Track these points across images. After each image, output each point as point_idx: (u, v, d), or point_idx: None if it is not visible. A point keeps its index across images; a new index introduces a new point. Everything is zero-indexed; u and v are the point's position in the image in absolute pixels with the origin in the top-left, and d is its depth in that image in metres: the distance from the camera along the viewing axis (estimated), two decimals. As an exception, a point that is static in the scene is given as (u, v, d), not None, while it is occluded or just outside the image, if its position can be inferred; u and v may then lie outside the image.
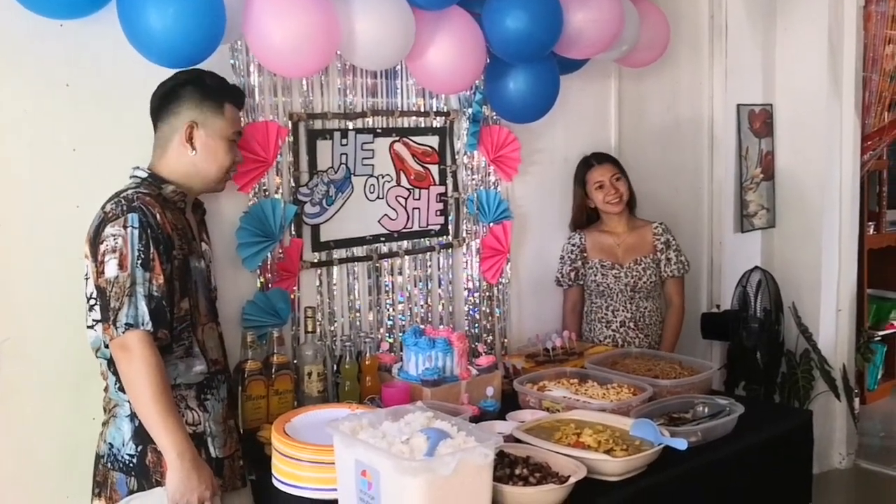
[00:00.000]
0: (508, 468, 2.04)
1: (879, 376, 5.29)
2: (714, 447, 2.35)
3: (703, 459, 2.29)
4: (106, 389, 2.08)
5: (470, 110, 3.06)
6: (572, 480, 2.00)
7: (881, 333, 5.18)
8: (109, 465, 2.02)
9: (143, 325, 1.92)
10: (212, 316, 2.21)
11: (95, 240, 1.99)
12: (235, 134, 2.21)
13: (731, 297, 3.86)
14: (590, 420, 2.37)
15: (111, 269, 1.94)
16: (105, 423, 2.08)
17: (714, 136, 3.99)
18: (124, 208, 1.98)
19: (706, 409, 2.52)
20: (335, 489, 2.01)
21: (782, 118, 4.21)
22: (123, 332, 1.91)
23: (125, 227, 1.95)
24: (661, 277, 3.35)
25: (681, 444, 2.17)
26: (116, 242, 1.94)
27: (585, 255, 3.36)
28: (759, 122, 4.13)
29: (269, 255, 2.62)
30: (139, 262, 1.95)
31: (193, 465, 1.97)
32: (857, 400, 4.41)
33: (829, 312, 4.23)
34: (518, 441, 2.23)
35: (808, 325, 4.13)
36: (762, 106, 4.14)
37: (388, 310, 2.95)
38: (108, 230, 1.96)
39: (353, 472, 1.92)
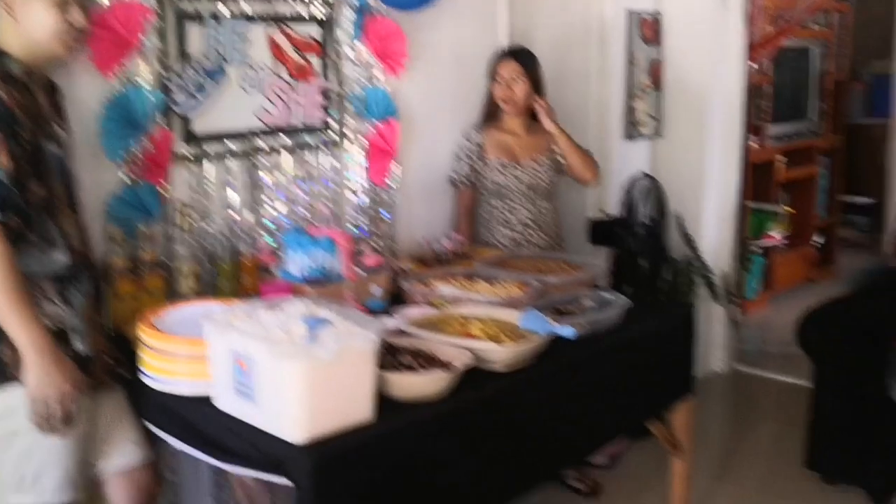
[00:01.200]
0: (392, 356, 1.97)
1: (757, 287, 5.47)
2: (600, 338, 2.34)
3: (589, 350, 2.28)
4: None
5: (354, -1, 2.90)
6: (458, 367, 1.94)
7: (760, 245, 5.34)
8: None
9: None
10: (71, 205, 2.01)
11: None
12: None
13: (619, 204, 3.87)
14: (478, 314, 2.32)
15: None
16: None
17: (605, 42, 3.93)
18: None
19: (592, 303, 2.51)
20: (209, 383, 1.90)
21: (671, 27, 4.19)
22: None
23: None
24: (562, 169, 3.30)
25: (568, 331, 2.14)
26: None
27: (484, 154, 3.26)
28: (649, 29, 4.10)
29: (135, 145, 2.43)
30: None
31: (53, 359, 1.82)
32: (737, 309, 4.54)
33: (711, 221, 4.32)
34: (405, 335, 2.16)
35: (690, 233, 4.20)
36: (653, 14, 4.11)
37: (269, 210, 2.81)
38: None
39: (228, 361, 1.81)
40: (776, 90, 5.51)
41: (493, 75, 3.22)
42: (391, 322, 2.29)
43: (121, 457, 2.10)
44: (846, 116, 6.51)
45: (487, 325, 2.21)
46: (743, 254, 4.63)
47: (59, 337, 1.89)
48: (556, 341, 2.17)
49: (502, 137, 3.27)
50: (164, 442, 2.50)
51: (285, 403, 1.70)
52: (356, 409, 1.78)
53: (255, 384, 1.75)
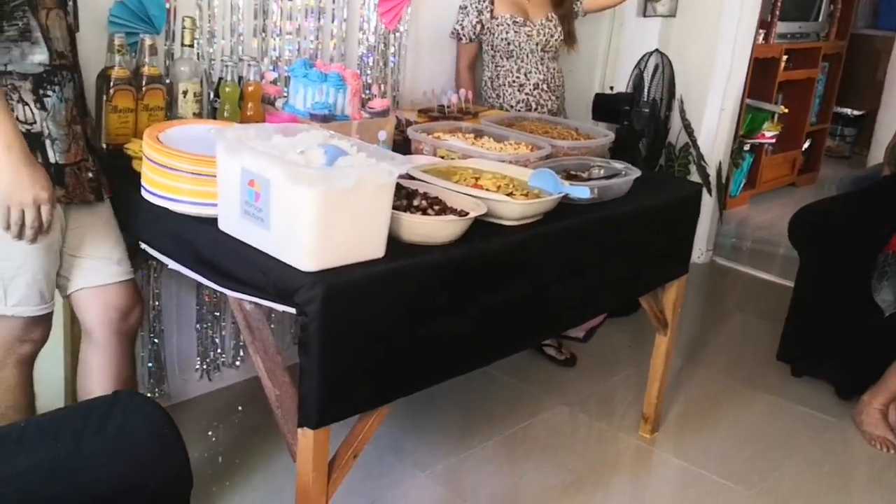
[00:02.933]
0: (406, 199, 1.91)
1: (742, 184, 5.47)
2: (608, 206, 2.30)
3: (597, 215, 2.24)
4: None
5: None
6: (472, 215, 1.89)
7: (751, 142, 5.31)
8: None
9: None
10: (59, 1, 1.85)
11: None
12: None
13: (627, 80, 3.78)
14: (488, 168, 2.25)
15: None
16: None
17: None
18: None
19: (602, 171, 2.46)
20: (215, 204, 1.83)
21: None
22: None
23: None
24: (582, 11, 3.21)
25: (583, 192, 2.10)
26: None
27: (492, 8, 3.11)
28: None
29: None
30: None
31: (24, 160, 1.67)
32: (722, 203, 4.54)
33: (713, 111, 4.25)
34: (414, 180, 2.09)
35: (691, 121, 4.14)
36: None
37: (275, 39, 2.67)
38: None
39: (238, 181, 1.73)
40: (790, -14, 5.36)
41: None
42: (403, 164, 2.22)
43: (98, 272, 1.96)
44: (852, 24, 6.39)
45: (499, 179, 2.15)
46: (736, 149, 4.59)
47: (31, 142, 1.74)
48: (564, 205, 2.13)
49: None
50: (146, 265, 2.45)
51: (299, 230, 1.63)
52: (368, 243, 1.73)
53: (267, 207, 1.68)
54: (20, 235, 1.72)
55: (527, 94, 3.14)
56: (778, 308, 3.48)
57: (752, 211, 5.54)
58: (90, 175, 1.90)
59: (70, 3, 1.89)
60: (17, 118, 1.73)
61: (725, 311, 4.04)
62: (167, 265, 1.98)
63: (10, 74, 1.73)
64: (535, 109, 3.10)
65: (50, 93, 1.80)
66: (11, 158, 1.66)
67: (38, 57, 1.77)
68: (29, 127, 1.76)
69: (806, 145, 6.15)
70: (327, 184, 1.61)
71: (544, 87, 3.14)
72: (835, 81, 6.34)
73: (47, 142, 1.80)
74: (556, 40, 3.13)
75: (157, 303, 2.58)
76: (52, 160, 1.80)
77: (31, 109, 1.77)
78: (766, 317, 3.76)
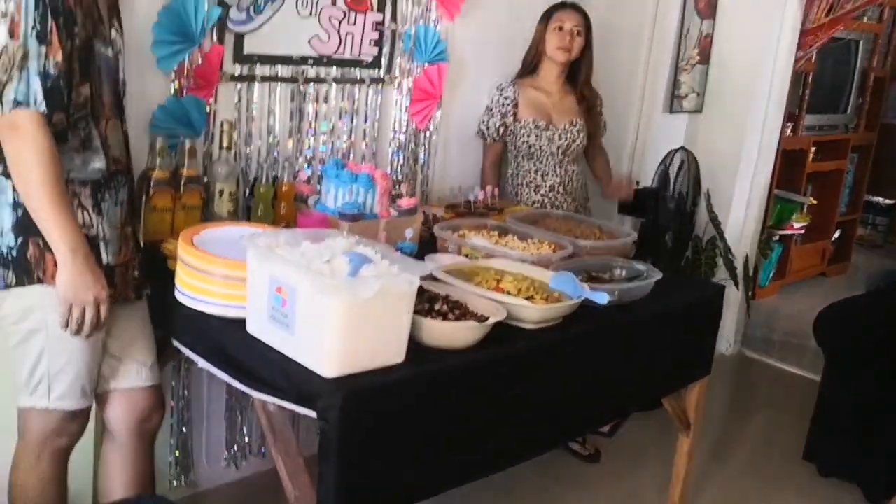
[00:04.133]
0: (427, 303, 1.97)
1: (772, 274, 5.47)
2: (629, 309, 2.34)
3: (618, 319, 2.28)
4: None
5: (418, -65, 2.84)
6: (492, 320, 1.94)
7: (780, 233, 5.33)
8: None
9: (35, 104, 1.69)
10: (117, 111, 1.97)
11: None
12: None
13: (652, 175, 3.84)
14: (510, 269, 2.31)
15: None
16: None
17: (659, 10, 3.86)
18: None
19: (624, 272, 2.51)
20: (244, 307, 1.90)
21: (727, 1, 4.12)
22: (11, 110, 1.69)
23: None
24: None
25: (602, 297, 2.14)
26: (7, 6, 1.68)
27: (517, 111, 3.21)
28: (704, 2, 4.03)
29: (186, 58, 2.39)
30: (34, 32, 1.69)
31: (87, 262, 1.80)
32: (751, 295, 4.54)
33: (740, 204, 4.29)
34: (436, 281, 2.15)
35: (718, 214, 4.18)
36: (710, -14, 4.03)
37: (309, 139, 2.78)
38: None
39: (266, 288, 1.80)
40: (816, 79, 5.43)
41: (548, 22, 3.15)
42: (424, 272, 2.29)
43: (130, 375, 2.03)
44: (881, 115, 6.44)
45: (520, 281, 2.20)
46: (764, 240, 4.61)
47: (89, 244, 1.83)
48: (585, 307, 2.17)
49: (537, 96, 3.22)
50: (178, 362, 2.52)
51: (322, 337, 1.70)
52: (389, 350, 1.79)
53: (292, 314, 1.75)
54: (79, 332, 1.82)
55: (542, 195, 3.22)
56: (806, 404, 3.45)
57: (781, 301, 5.52)
58: (136, 273, 2.00)
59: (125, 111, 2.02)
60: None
61: (753, 405, 4.01)
62: (197, 364, 2.05)
63: (72, 182, 1.84)
64: (550, 210, 3.17)
65: (107, 197, 1.91)
66: (77, 262, 1.78)
67: (97, 164, 1.88)
68: (87, 230, 1.85)
69: (836, 235, 6.15)
70: (350, 294, 1.68)
71: (560, 189, 3.22)
72: (864, 171, 6.36)
73: (101, 244, 1.89)
74: (577, 145, 3.22)
75: (186, 392, 2.64)
76: (105, 261, 1.90)
77: (89, 214, 1.87)
78: (794, 413, 3.72)
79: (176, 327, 2.07)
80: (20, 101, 1.70)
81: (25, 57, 1.70)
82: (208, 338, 1.97)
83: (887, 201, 6.94)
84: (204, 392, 2.70)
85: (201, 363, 2.02)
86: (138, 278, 2.01)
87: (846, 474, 3.22)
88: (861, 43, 5.80)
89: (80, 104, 1.81)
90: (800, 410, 3.57)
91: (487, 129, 3.23)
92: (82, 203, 1.86)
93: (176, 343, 2.10)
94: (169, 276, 2.07)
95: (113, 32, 1.97)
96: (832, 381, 3.26)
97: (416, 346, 1.84)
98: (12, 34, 1.69)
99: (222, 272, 1.92)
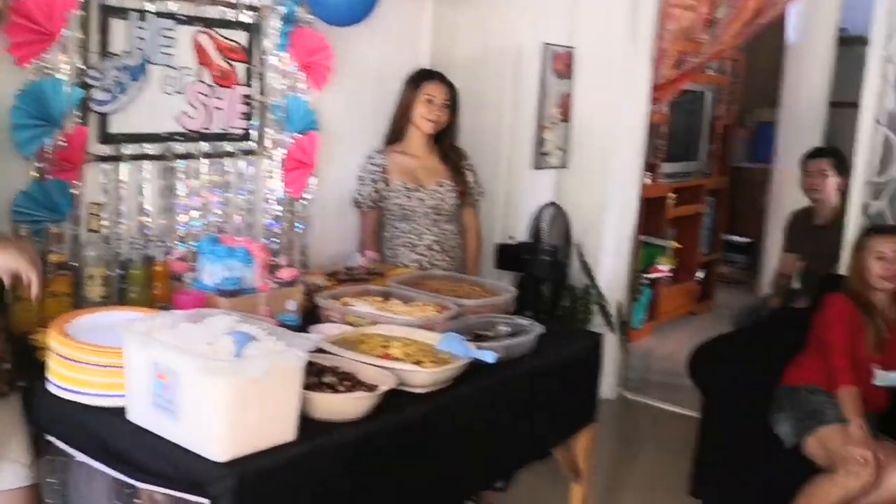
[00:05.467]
0: (316, 376, 1.95)
1: (644, 317, 5.68)
2: (516, 363, 2.38)
3: (505, 374, 2.31)
4: None
5: (282, 8, 2.87)
6: (383, 388, 1.94)
7: (648, 276, 5.55)
8: None
9: None
10: None
11: None
12: None
13: (525, 230, 3.95)
14: (397, 335, 2.32)
15: None
16: None
17: (519, 73, 4.02)
18: None
19: (508, 328, 2.55)
20: (123, 395, 1.83)
21: (583, 63, 4.33)
22: None
23: None
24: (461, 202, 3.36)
25: (489, 356, 2.17)
26: None
27: (387, 176, 3.27)
28: (561, 63, 4.22)
29: (48, 141, 2.32)
30: None
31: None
32: (626, 338, 4.70)
33: (609, 252, 4.45)
34: (323, 352, 2.13)
35: (589, 263, 4.33)
36: (566, 48, 4.23)
37: (182, 216, 2.73)
38: None
39: (147, 374, 1.75)
40: (671, 130, 5.75)
41: (417, 91, 3.23)
42: (314, 340, 2.27)
43: (6, 476, 1.93)
44: (731, 159, 6.87)
45: (408, 346, 2.21)
46: (634, 285, 4.80)
47: None
48: (472, 365, 2.20)
49: (405, 160, 3.30)
50: (52, 456, 2.38)
51: (209, 420, 1.65)
52: (280, 428, 1.75)
53: (176, 399, 1.70)
54: None
55: (420, 254, 3.27)
56: (688, 441, 3.57)
57: (655, 342, 5.73)
58: (7, 367, 1.90)
59: None
60: None
61: (638, 447, 4.12)
62: (74, 457, 1.95)
63: None
64: (429, 269, 3.21)
65: None
66: None
67: None
68: None
69: (700, 275, 6.46)
70: (238, 375, 1.65)
71: (437, 247, 3.29)
72: (721, 213, 6.74)
73: None
74: (448, 205, 3.29)
75: (63, 491, 2.49)
76: None
77: None
78: (678, 451, 3.84)
79: (50, 421, 1.97)
80: None
81: None
82: (86, 430, 1.88)
83: (743, 240, 7.36)
84: (83, 487, 2.56)
85: (80, 457, 1.92)
86: (10, 371, 1.91)
87: (730, 506, 3.35)
88: (709, 93, 6.20)
89: None
90: (682, 448, 3.69)
91: (362, 197, 3.27)
92: None
93: (50, 438, 1.99)
94: (40, 368, 1.97)
95: None
96: (710, 418, 3.39)
97: (307, 422, 1.82)
98: None
99: (98, 361, 1.85)
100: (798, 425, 2.98)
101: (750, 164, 7.36)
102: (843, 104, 5.75)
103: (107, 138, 2.49)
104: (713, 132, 6.40)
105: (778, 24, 5.49)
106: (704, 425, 3.41)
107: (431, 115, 3.21)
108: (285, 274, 2.62)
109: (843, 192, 3.89)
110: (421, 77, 3.27)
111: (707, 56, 4.71)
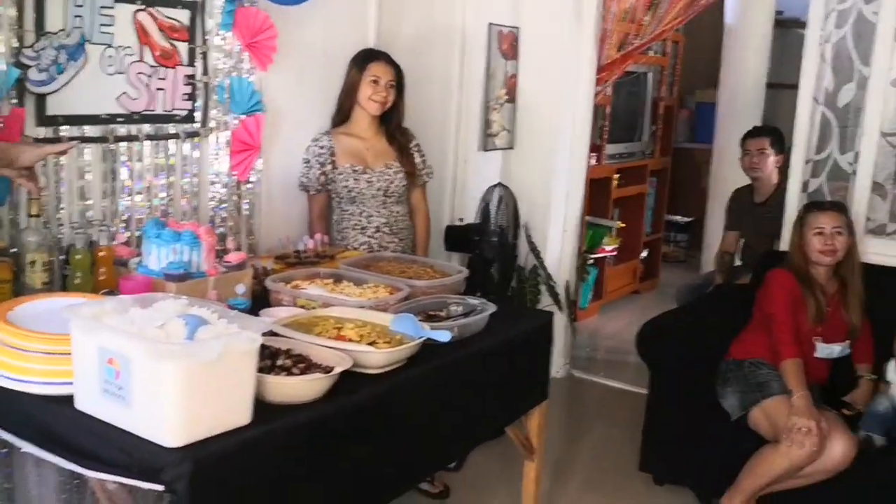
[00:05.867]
0: (269, 359, 1.92)
1: (590, 296, 5.75)
2: (468, 343, 2.38)
3: (458, 354, 2.31)
4: None
5: (226, -13, 2.81)
6: (338, 370, 1.92)
7: (594, 256, 5.61)
8: None
9: None
10: None
11: None
12: None
13: (475, 211, 3.96)
14: (349, 316, 2.30)
15: None
16: None
17: (466, 53, 4.01)
18: None
19: (460, 308, 2.55)
20: (70, 382, 1.78)
21: (528, 43, 4.33)
22: None
23: None
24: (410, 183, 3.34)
25: (444, 335, 2.17)
26: None
27: (334, 159, 3.23)
28: (507, 43, 4.22)
29: (-17, 123, 2.25)
30: None
31: None
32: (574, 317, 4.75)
33: (556, 233, 4.49)
34: (275, 336, 2.10)
35: (537, 244, 4.36)
36: (511, 28, 4.23)
37: (125, 200, 2.67)
38: None
39: (96, 360, 1.70)
40: (614, 112, 5.80)
41: (363, 72, 3.20)
42: (267, 322, 2.24)
43: None
44: (673, 140, 6.97)
45: (361, 327, 2.20)
46: (580, 265, 4.84)
47: None
48: (425, 346, 2.19)
49: (352, 142, 3.26)
50: None
51: (163, 406, 1.62)
52: (234, 411, 1.73)
53: (128, 385, 1.66)
54: None
55: (369, 236, 3.25)
56: (635, 417, 3.63)
57: (601, 321, 5.81)
58: None
59: None
60: None
61: (587, 424, 4.18)
62: (21, 448, 1.89)
63: None
64: (378, 251, 3.19)
65: None
66: None
67: None
68: None
69: (644, 254, 6.55)
70: (191, 358, 1.61)
71: (386, 229, 3.27)
72: (664, 193, 6.84)
73: None
74: (396, 186, 3.27)
75: (8, 485, 2.43)
76: None
77: None
78: (626, 427, 3.91)
79: (-7, 412, 1.91)
80: None
81: None
82: (31, 419, 1.83)
83: (685, 219, 7.48)
84: (30, 478, 2.50)
85: (26, 447, 1.86)
86: None
87: (680, 480, 3.42)
88: (650, 75, 6.27)
89: None
90: (630, 424, 3.75)
91: (308, 180, 3.23)
92: None
93: (-5, 429, 1.93)
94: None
95: None
96: (658, 394, 3.45)
97: (261, 405, 1.79)
98: None
99: (42, 348, 1.80)
100: (743, 398, 3.05)
101: (691, 145, 7.48)
102: (781, 85, 5.90)
103: (45, 120, 2.41)
104: (655, 113, 6.47)
105: (717, 6, 5.56)
106: (652, 401, 3.47)
107: (377, 95, 3.18)
108: (233, 257, 2.57)
109: (783, 170, 3.98)
110: (366, 58, 3.23)
111: (649, 37, 4.77)
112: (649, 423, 3.48)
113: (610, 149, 5.82)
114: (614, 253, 5.88)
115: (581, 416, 4.30)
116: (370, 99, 3.19)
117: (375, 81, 3.18)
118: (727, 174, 5.67)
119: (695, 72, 7.09)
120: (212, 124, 2.90)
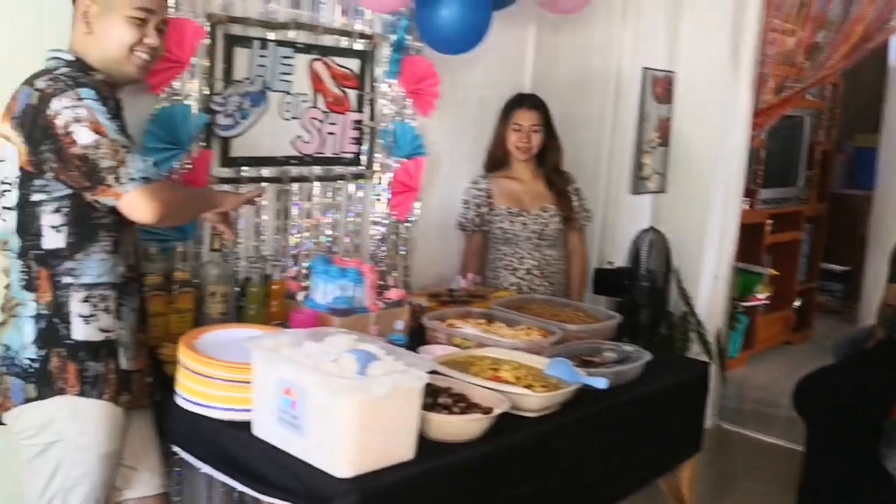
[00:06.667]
0: (431, 397, 1.98)
1: (740, 345, 5.57)
2: (622, 391, 2.37)
3: (613, 401, 2.31)
4: (8, 287, 1.86)
5: (393, 37, 2.94)
6: (497, 411, 1.96)
7: (745, 304, 5.44)
8: (4, 368, 1.82)
9: (154, 175, 1.80)
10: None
11: (36, 118, 1.74)
12: (140, 11, 1.89)
13: (624, 255, 3.94)
14: (504, 357, 2.34)
15: (85, 135, 1.72)
16: (1, 324, 1.86)
17: (619, 97, 4.02)
18: (69, 83, 1.76)
19: (614, 355, 2.55)
20: (247, 409, 1.90)
21: (682, 87, 4.30)
22: (141, 184, 1.75)
23: (80, 99, 1.74)
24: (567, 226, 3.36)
25: (601, 382, 2.17)
26: (78, 113, 1.73)
27: (491, 201, 3.31)
28: (661, 87, 4.20)
29: (176, 164, 2.43)
30: (116, 129, 1.76)
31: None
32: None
33: (707, 279, 4.38)
34: (435, 373, 2.16)
35: (687, 289, 4.28)
36: (666, 72, 4.21)
37: (295, 237, 2.82)
38: (58, 104, 1.73)
39: (274, 390, 1.81)
40: (769, 156, 5.64)
41: (507, 122, 3.28)
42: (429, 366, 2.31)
43: (143, 484, 2.04)
44: (830, 185, 6.69)
45: (517, 369, 2.23)
46: (731, 313, 4.71)
47: (107, 350, 1.87)
48: (580, 391, 2.20)
49: (509, 184, 3.33)
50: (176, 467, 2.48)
51: (336, 437, 1.71)
52: (400, 446, 1.80)
53: (303, 415, 1.76)
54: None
55: (519, 277, 3.29)
56: (786, 474, 3.48)
57: (750, 371, 5.60)
58: (149, 380, 2.00)
59: None
60: (100, 327, 1.85)
61: (735, 478, 4.03)
62: (199, 469, 2.03)
63: (103, 285, 1.86)
64: (528, 293, 3.22)
65: (125, 302, 1.93)
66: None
67: (121, 269, 1.90)
68: (108, 335, 1.87)
69: (797, 304, 6.30)
70: (363, 393, 1.69)
71: (537, 272, 3.30)
72: (819, 241, 6.56)
73: (120, 349, 1.90)
74: (551, 230, 3.31)
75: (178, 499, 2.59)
76: (122, 367, 1.90)
77: (112, 318, 1.89)
78: (775, 483, 3.76)
79: (177, 432, 2.06)
80: (145, 177, 1.77)
81: (124, 146, 1.76)
82: (211, 442, 1.96)
83: (841, 268, 7.14)
84: (202, 499, 2.65)
85: (204, 468, 2.00)
86: (152, 385, 2.01)
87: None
88: (807, 118, 6.06)
89: (113, 206, 1.82)
90: (779, 481, 3.60)
91: (466, 220, 3.32)
92: (108, 307, 1.88)
93: (176, 449, 2.08)
94: (168, 382, 2.06)
95: None
96: (815, 451, 3.30)
97: (422, 441, 1.85)
98: (98, 132, 1.74)
99: (225, 375, 1.93)
100: (912, 462, 2.89)
101: (849, 191, 7.16)
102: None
103: (227, 162, 2.60)
104: (811, 157, 6.24)
105: (879, 48, 5.34)
106: (808, 457, 3.32)
107: (520, 142, 3.26)
108: (393, 294, 2.67)
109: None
110: (510, 106, 3.31)
111: (810, 81, 4.62)
112: (805, 483, 3.33)
113: (764, 193, 5.64)
114: (766, 301, 5.68)
115: (728, 470, 4.16)
116: (516, 147, 3.26)
117: (518, 129, 3.25)
118: (889, 222, 5.40)
119: (853, 115, 6.81)
120: (376, 167, 3.02)
